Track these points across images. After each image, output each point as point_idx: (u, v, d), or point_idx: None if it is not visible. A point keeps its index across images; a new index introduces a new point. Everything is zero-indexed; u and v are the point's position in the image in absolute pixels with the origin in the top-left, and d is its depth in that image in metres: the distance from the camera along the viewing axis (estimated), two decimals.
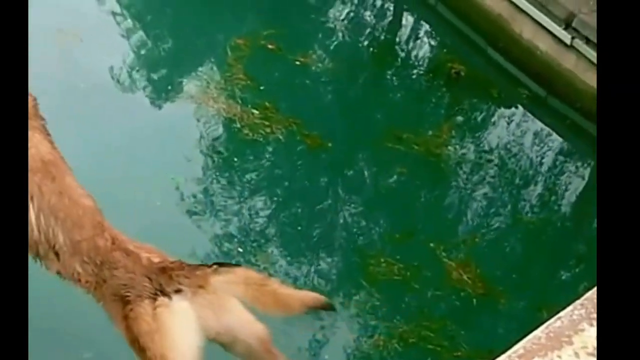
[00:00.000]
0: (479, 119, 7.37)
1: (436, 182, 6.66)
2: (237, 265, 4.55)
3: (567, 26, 7.31)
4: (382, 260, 5.84)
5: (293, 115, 6.71)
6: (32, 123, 4.22)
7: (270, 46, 7.33)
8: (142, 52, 7.38)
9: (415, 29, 8.32)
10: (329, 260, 5.95)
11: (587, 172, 7.06)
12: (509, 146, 7.09)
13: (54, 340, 4.96)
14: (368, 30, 8.15)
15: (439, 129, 6.98)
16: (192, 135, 6.53)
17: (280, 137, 6.57)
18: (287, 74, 7.29)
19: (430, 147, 6.77)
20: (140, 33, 7.56)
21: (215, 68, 7.23)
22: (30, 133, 4.16)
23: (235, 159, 6.45)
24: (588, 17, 7.12)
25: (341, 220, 6.25)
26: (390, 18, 8.45)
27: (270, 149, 6.56)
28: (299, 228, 6.13)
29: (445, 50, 8.02)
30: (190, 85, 6.99)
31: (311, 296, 4.47)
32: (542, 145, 7.21)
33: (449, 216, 6.46)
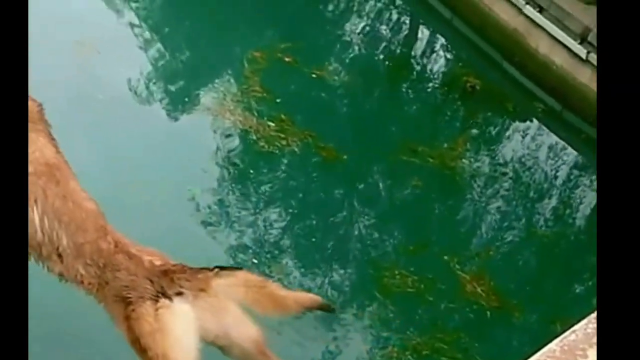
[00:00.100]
0: (494, 132, 7.38)
1: (451, 195, 6.66)
2: (239, 268, 4.56)
3: (583, 40, 7.33)
4: (396, 272, 5.84)
5: (309, 128, 6.73)
6: (36, 127, 4.25)
7: (286, 59, 7.36)
8: (160, 64, 7.43)
9: (430, 42, 8.34)
10: (343, 271, 5.96)
11: None
12: (523, 159, 7.09)
13: (54, 340, 4.99)
14: (384, 43, 8.17)
15: (454, 142, 6.98)
16: (209, 147, 6.56)
17: (296, 149, 6.59)
18: (303, 86, 7.32)
19: (445, 160, 6.78)
20: (158, 45, 7.61)
21: (231, 80, 7.27)
22: (34, 136, 4.19)
23: (251, 171, 6.47)
24: None
25: (356, 232, 6.26)
26: (406, 32, 8.47)
27: (285, 161, 6.58)
28: (314, 239, 6.14)
29: (460, 64, 8.04)
30: (207, 97, 7.03)
31: (308, 297, 4.52)
32: (556, 159, 7.20)
33: (463, 229, 6.46)
